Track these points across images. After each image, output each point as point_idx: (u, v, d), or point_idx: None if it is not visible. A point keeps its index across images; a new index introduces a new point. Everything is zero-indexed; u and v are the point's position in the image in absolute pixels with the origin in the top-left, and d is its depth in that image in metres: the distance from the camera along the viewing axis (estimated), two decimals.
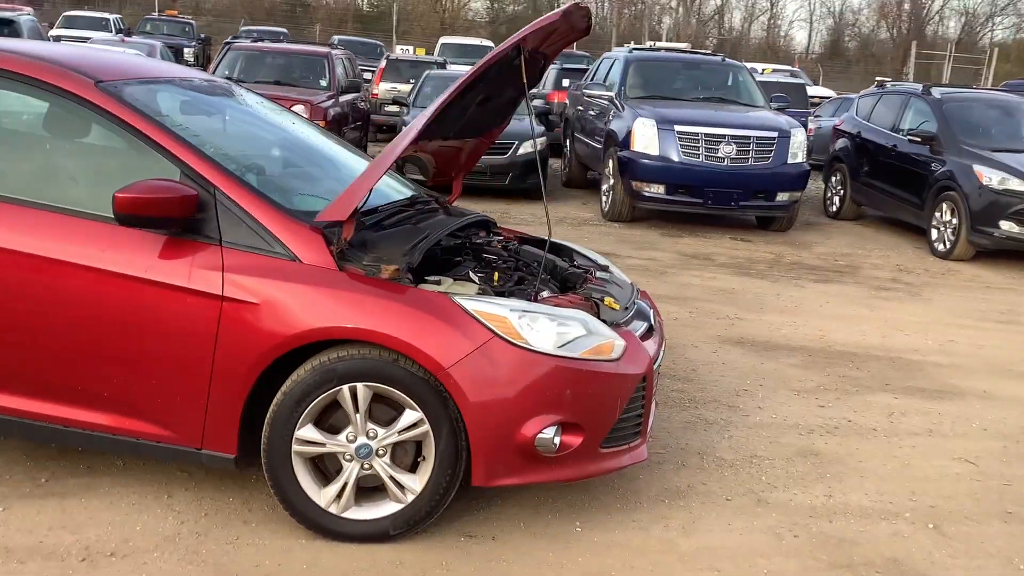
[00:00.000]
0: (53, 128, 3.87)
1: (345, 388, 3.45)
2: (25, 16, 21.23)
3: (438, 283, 3.68)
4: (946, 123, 11.37)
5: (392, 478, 3.53)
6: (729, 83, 13.05)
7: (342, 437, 3.51)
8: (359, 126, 14.33)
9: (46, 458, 4.00)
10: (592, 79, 14.12)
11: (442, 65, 18.22)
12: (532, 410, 3.49)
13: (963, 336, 7.39)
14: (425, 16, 60.21)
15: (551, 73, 19.99)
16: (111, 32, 26.96)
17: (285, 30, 33.67)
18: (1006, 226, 10.19)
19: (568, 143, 14.73)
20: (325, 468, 3.59)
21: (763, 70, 23.73)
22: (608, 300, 4.00)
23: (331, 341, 3.47)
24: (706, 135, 11.11)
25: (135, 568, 3.30)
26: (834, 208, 13.47)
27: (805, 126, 13.72)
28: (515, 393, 3.47)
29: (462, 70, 16.02)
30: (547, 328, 3.57)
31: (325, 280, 3.48)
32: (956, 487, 4.54)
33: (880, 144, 12.44)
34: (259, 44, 14.54)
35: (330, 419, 3.53)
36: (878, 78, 16.96)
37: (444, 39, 31.82)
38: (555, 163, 16.18)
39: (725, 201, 11.17)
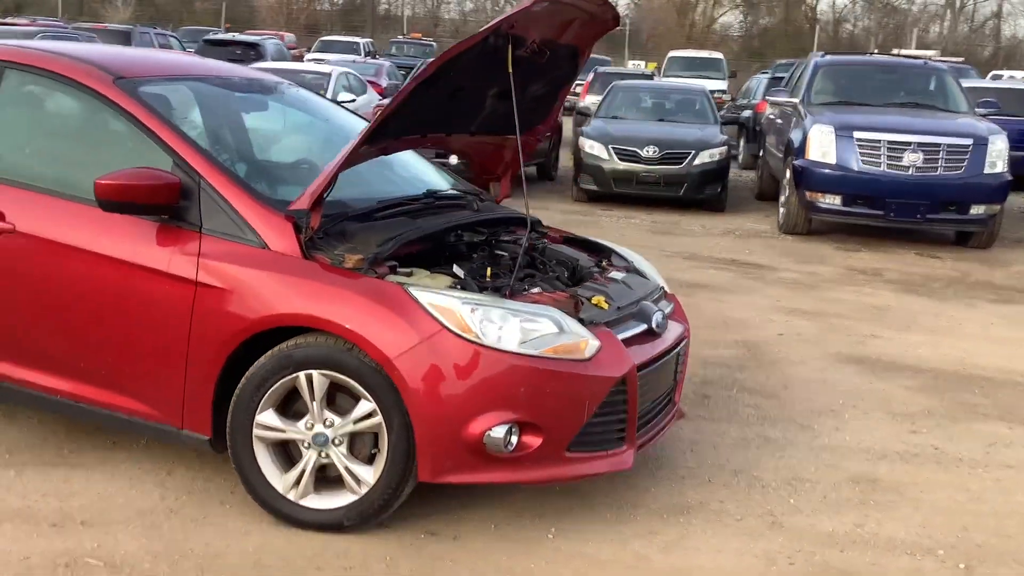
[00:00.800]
0: (74, 120, 4.12)
1: (302, 375, 3.48)
2: (271, 41, 22.85)
3: (409, 274, 3.63)
4: None
5: (347, 468, 3.51)
6: (931, 87, 12.16)
7: (301, 424, 3.53)
8: (547, 137, 14.39)
9: (79, 432, 4.25)
10: (784, 86, 13.57)
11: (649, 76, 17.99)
12: (480, 407, 3.38)
13: None
14: (671, 32, 59.81)
15: (762, 80, 19.37)
16: (360, 55, 28.55)
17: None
18: None
19: (761, 154, 14.21)
20: (291, 455, 3.62)
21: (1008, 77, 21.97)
22: (597, 299, 3.81)
23: (296, 328, 3.51)
24: (889, 142, 10.41)
25: (96, 536, 3.45)
26: None
27: None
28: (462, 388, 3.38)
29: (673, 82, 15.81)
30: (507, 323, 3.45)
31: (288, 268, 3.53)
32: (1022, 527, 4.00)
33: None
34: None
35: (295, 406, 3.57)
36: None
37: (673, 52, 31.59)
38: (751, 174, 15.67)
39: (909, 213, 10.40)
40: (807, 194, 10.71)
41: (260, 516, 3.62)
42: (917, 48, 34.59)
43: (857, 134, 10.53)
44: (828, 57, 12.79)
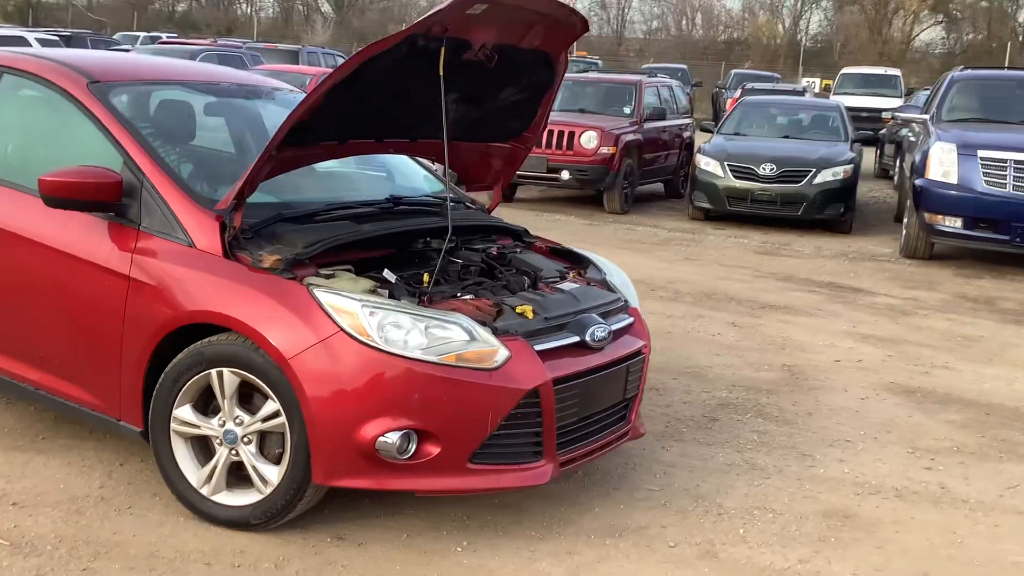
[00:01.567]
0: (49, 119, 4.31)
1: (213, 372, 3.53)
2: None
3: (331, 276, 3.63)
4: None
5: (254, 467, 3.54)
6: None
7: (215, 421, 3.59)
8: (675, 153, 14.19)
9: (61, 420, 4.45)
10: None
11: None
12: (373, 411, 3.35)
13: None
14: (863, 48, 57.58)
15: (922, 97, 18.41)
16: None
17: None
18: None
19: (898, 173, 13.51)
20: (210, 451, 3.68)
21: None
22: (523, 308, 3.70)
23: (215, 326, 3.57)
24: (1016, 162, 9.70)
25: (18, 517, 3.59)
26: None
27: None
28: (354, 391, 3.35)
29: (805, 99, 15.28)
30: (409, 328, 3.40)
31: (207, 266, 3.60)
32: None
33: None
34: (577, 76, 14.87)
35: (214, 403, 3.63)
36: None
37: (846, 70, 30.50)
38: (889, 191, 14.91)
39: None
40: (927, 216, 10.12)
41: (180, 510, 3.69)
42: None
43: (981, 152, 9.86)
44: (966, 71, 12.04)
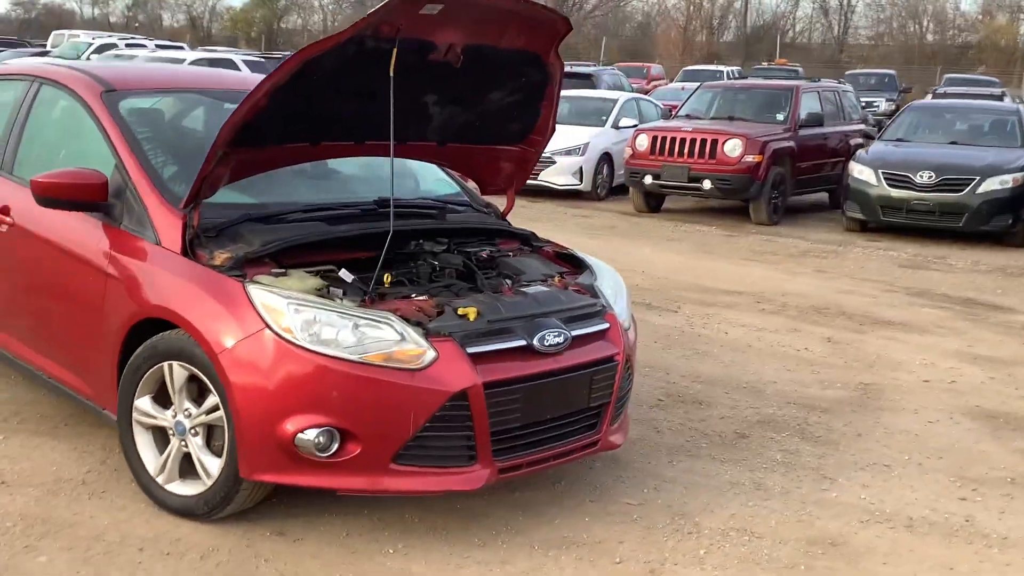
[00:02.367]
0: (68, 123, 4.55)
1: (165, 365, 3.66)
2: (608, 71, 23.37)
3: (284, 274, 3.68)
4: None
5: (199, 459, 3.64)
6: None
7: (168, 413, 3.71)
8: (840, 162, 13.51)
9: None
10: None
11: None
12: (293, 407, 3.37)
13: None
14: None
15: None
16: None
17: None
18: None
19: None
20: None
21: None
22: (466, 309, 3.62)
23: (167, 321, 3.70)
24: None
25: (2, 494, 3.84)
26: None
27: None
28: (275, 387, 3.39)
29: (979, 102, 14.28)
30: (339, 327, 3.40)
31: (164, 263, 3.74)
32: None
33: None
34: (730, 83, 14.42)
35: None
36: None
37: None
38: None
39: None
40: None
41: (145, 498, 3.82)
42: None
43: None
44: None
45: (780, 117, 12.76)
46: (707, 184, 11.92)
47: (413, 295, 3.74)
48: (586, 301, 3.99)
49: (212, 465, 3.60)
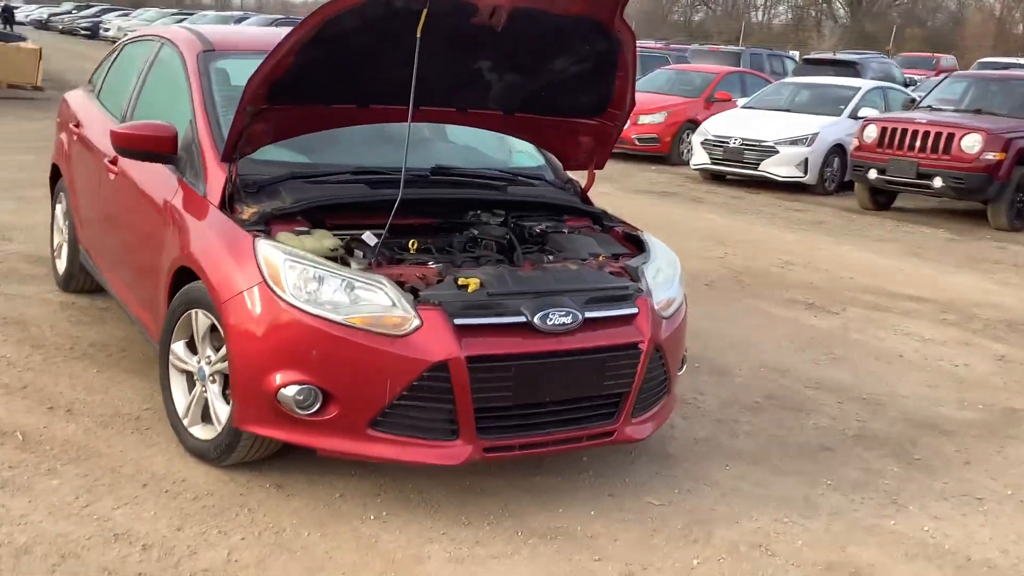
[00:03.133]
0: (172, 78, 4.78)
1: (192, 313, 3.81)
2: (875, 60, 22.04)
3: (308, 233, 3.72)
4: None
5: (213, 405, 3.76)
6: None
7: (195, 359, 3.86)
8: None
9: None
10: None
11: None
12: (277, 363, 3.40)
13: None
14: None
15: None
16: None
17: None
18: None
19: None
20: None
21: None
22: (467, 279, 3.50)
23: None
24: None
25: (57, 420, 4.09)
26: None
27: None
28: (263, 341, 3.43)
29: None
30: (325, 286, 3.40)
31: (203, 215, 3.88)
32: None
33: None
34: (983, 72, 13.11)
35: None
36: None
37: None
38: None
39: None
40: None
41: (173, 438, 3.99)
42: None
43: None
44: None
45: None
46: (937, 182, 10.95)
47: (428, 263, 3.67)
48: (615, 283, 3.76)
49: (223, 412, 3.70)
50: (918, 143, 11.08)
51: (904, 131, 11.22)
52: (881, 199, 12.04)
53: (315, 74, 3.71)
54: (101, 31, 44.41)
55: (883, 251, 9.50)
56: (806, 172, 12.76)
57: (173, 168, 4.21)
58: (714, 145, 13.24)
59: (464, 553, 3.32)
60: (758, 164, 12.84)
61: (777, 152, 12.72)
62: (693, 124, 14.70)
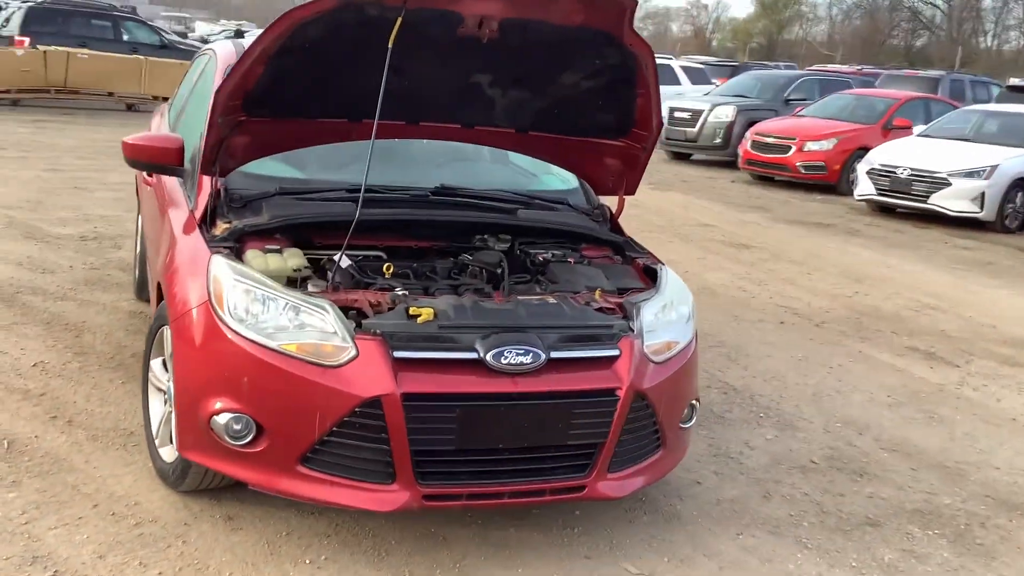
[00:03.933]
0: (207, 89, 4.65)
1: (163, 329, 3.68)
2: None
3: (279, 251, 3.52)
4: None
5: (172, 427, 3.60)
6: None
7: (166, 377, 3.72)
8: None
9: None
10: None
11: None
12: (212, 388, 3.20)
13: None
14: None
15: None
16: None
17: None
18: None
19: None
20: None
21: None
22: (420, 309, 3.18)
23: None
24: None
25: (56, 431, 4.08)
26: None
27: None
28: (200, 364, 3.25)
29: None
30: (273, 308, 3.17)
31: (187, 228, 3.75)
32: None
33: None
34: None
35: None
36: None
37: None
38: None
39: None
40: None
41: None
42: None
43: None
44: None
45: None
46: None
47: (395, 288, 3.40)
48: (597, 321, 3.36)
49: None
50: None
51: None
52: None
53: (290, 85, 3.51)
54: None
55: None
56: (982, 207, 11.67)
57: (180, 181, 4.12)
58: (880, 175, 12.33)
59: None
60: (927, 197, 11.85)
61: (949, 184, 11.70)
62: (867, 152, 13.77)
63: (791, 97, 17.20)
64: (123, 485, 3.66)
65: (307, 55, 3.39)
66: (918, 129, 13.80)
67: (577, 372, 3.24)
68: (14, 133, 13.26)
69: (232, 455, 3.20)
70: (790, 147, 14.32)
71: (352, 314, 3.20)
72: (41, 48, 16.36)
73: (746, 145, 14.97)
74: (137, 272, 5.85)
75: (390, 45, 3.32)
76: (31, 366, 4.75)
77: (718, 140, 16.51)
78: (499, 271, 3.67)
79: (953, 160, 11.87)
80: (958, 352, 6.43)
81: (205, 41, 20.69)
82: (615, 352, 3.30)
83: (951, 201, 11.74)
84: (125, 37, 18.77)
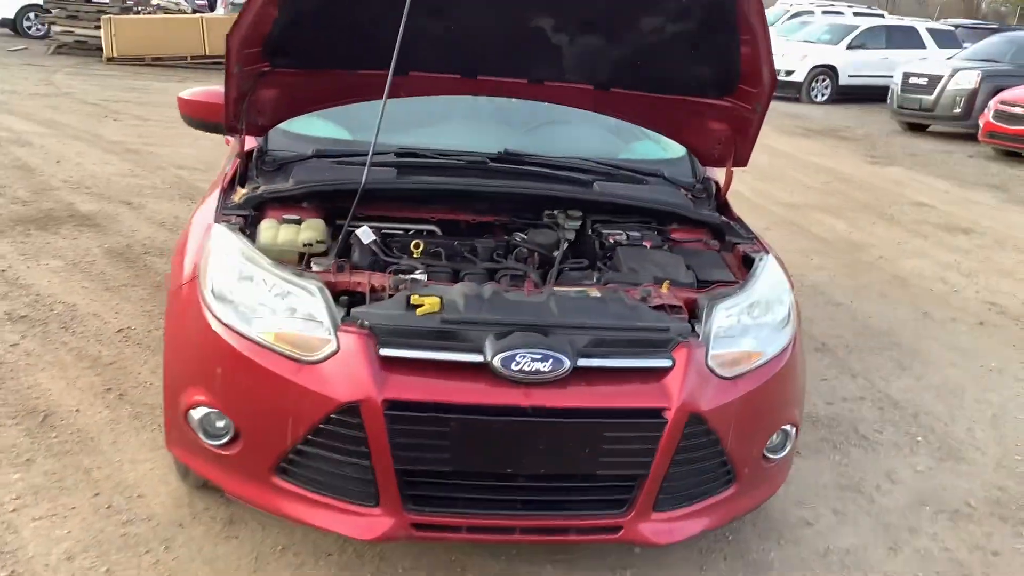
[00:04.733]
0: None
1: None
2: None
3: (297, 222, 3.06)
4: None
5: None
6: None
7: None
8: None
9: None
10: None
11: None
12: (190, 376, 2.77)
13: None
14: None
15: None
16: None
17: None
18: None
19: None
20: None
21: None
22: (425, 298, 2.60)
23: None
24: None
25: (101, 405, 3.81)
26: None
27: None
28: (183, 347, 2.83)
29: None
30: (257, 287, 2.70)
31: (212, 192, 3.37)
32: None
33: None
34: None
35: None
36: None
37: None
38: None
39: None
40: None
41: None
42: None
43: None
44: None
45: None
46: None
47: (416, 271, 2.85)
48: (649, 322, 2.67)
49: None
50: None
51: None
52: None
53: (316, 29, 3.03)
54: None
55: None
56: None
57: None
58: None
59: None
60: None
61: None
62: None
63: None
64: (137, 473, 3.33)
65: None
66: None
67: (612, 385, 2.57)
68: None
69: (208, 456, 2.76)
70: None
71: (344, 299, 2.68)
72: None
73: (988, 115, 13.30)
74: None
75: None
76: (115, 331, 4.53)
77: (958, 110, 14.81)
78: (554, 254, 3.05)
79: None
80: None
81: None
82: (666, 362, 2.60)
83: None
84: None
